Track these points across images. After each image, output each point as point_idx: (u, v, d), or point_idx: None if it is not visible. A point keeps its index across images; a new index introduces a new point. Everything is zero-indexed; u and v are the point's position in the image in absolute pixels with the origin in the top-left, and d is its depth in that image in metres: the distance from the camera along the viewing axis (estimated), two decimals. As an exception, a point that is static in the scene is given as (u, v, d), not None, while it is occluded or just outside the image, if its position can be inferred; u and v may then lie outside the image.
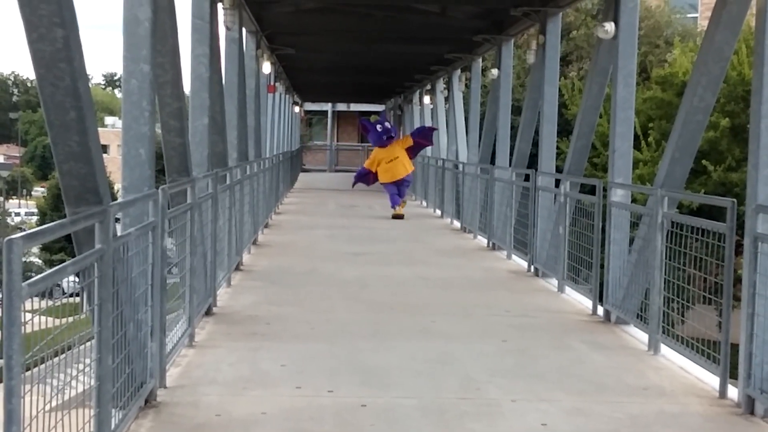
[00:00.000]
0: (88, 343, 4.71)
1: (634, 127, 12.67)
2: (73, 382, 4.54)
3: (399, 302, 9.60)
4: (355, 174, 22.74)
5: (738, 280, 6.33)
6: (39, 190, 75.06)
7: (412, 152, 21.28)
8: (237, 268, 11.34)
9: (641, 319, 8.01)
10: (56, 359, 4.22)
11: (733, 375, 6.16)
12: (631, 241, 8.99)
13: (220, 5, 12.54)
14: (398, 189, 20.16)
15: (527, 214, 12.46)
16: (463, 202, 18.38)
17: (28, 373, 3.66)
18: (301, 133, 49.26)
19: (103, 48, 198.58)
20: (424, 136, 21.57)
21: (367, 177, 21.43)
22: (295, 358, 6.98)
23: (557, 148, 15.65)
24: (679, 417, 5.80)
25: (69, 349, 4.36)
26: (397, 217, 19.63)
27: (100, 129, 6.42)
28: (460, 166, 20.07)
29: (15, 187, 75.81)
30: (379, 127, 20.72)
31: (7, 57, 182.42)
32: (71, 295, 4.70)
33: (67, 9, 5.46)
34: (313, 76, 31.64)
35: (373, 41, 21.42)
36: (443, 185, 20.88)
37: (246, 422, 5.45)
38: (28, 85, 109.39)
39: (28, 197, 79.38)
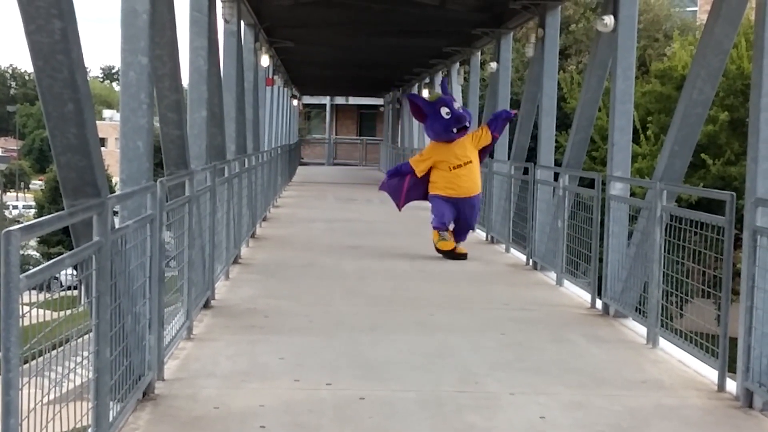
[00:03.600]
0: (86, 336, 4.70)
1: (633, 121, 12.67)
2: (71, 375, 4.54)
3: (398, 295, 9.59)
4: (387, 172, 14.34)
5: (737, 274, 6.32)
6: (37, 184, 75.02)
7: (484, 155, 13.35)
8: (235, 261, 11.33)
9: (640, 313, 8.00)
10: (54, 352, 4.21)
11: (732, 368, 6.16)
12: (630, 234, 8.99)
13: (218, -2, 12.51)
14: (457, 212, 12.57)
15: (526, 207, 12.46)
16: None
17: (26, 365, 3.65)
18: (300, 126, 49.26)
19: (101, 41, 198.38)
20: (501, 128, 13.46)
21: (401, 183, 13.03)
22: (293, 351, 6.98)
23: (556, 141, 15.63)
24: (677, 410, 5.80)
25: (67, 341, 4.36)
26: (450, 254, 12.37)
27: (97, 122, 6.41)
28: (459, 160, 20.00)
29: (13, 180, 75.80)
30: (445, 111, 12.50)
31: (4, 50, 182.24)
32: (69, 288, 4.69)
33: (65, 1, 5.44)
34: (312, 69, 31.61)
35: (372, 34, 21.39)
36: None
37: (244, 415, 5.44)
38: (26, 77, 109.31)
39: (25, 190, 79.34)
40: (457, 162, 12.52)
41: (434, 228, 12.46)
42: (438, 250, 12.37)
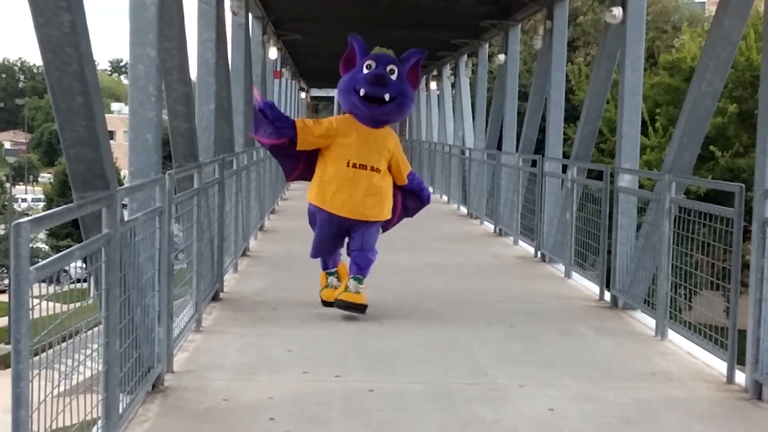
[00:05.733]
0: (96, 328, 4.71)
1: (642, 113, 12.64)
2: (81, 367, 4.55)
3: (405, 288, 9.59)
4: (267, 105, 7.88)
5: (746, 266, 6.31)
6: (45, 177, 75.16)
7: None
8: (244, 254, 11.34)
9: (648, 305, 8.00)
10: (64, 344, 4.22)
11: (741, 360, 6.15)
12: (639, 226, 8.97)
13: (226, -10, 12.51)
14: (346, 235, 8.10)
15: (534, 199, 12.44)
16: (469, 187, 18.35)
17: (36, 358, 3.66)
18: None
19: (110, 34, 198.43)
20: (412, 207, 8.52)
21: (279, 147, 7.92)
22: (302, 344, 6.99)
23: (564, 133, 15.63)
24: (686, 402, 5.79)
25: (76, 333, 4.37)
26: (343, 304, 7.83)
27: (106, 115, 6.42)
28: (467, 152, 20.04)
29: (22, 174, 75.94)
30: (366, 64, 7.98)
31: (13, 43, 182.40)
32: (78, 281, 4.70)
33: (74, -7, 5.44)
34: (320, 62, 31.52)
35: (380, 27, 21.33)
36: (450, 171, 20.85)
37: (253, 407, 5.45)
38: (35, 71, 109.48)
39: (34, 183, 79.50)
40: (362, 159, 7.72)
41: (318, 260, 8.29)
42: (323, 302, 8.16)
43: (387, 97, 7.74)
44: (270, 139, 7.80)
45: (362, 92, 7.72)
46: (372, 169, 7.78)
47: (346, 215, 7.81)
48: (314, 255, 8.25)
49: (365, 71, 7.81)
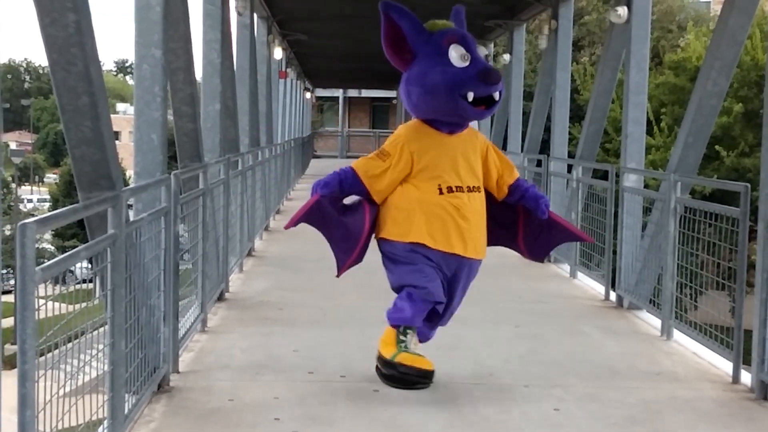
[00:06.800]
0: (101, 329, 4.72)
1: (647, 113, 12.63)
2: (87, 367, 4.56)
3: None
4: (321, 183, 5.77)
5: (751, 266, 6.30)
6: (51, 177, 75.23)
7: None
8: (249, 254, 11.35)
9: (654, 305, 7.99)
10: (69, 344, 4.23)
11: (746, 360, 6.14)
12: (644, 226, 8.97)
13: (231, -9, 12.52)
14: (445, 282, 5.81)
15: (539, 199, 12.41)
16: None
17: (42, 358, 3.66)
18: (313, 119, 49.27)
19: (115, 34, 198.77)
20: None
21: (329, 216, 5.82)
22: (307, 344, 6.99)
23: (569, 133, 15.61)
24: (691, 402, 5.79)
25: (82, 334, 4.37)
26: (416, 375, 5.80)
27: (111, 115, 6.43)
28: (472, 152, 20.00)
29: (27, 174, 76.00)
30: (459, 53, 5.59)
31: (19, 43, 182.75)
32: (83, 282, 4.70)
33: (79, -7, 5.45)
34: (325, 62, 31.58)
35: (385, 27, 21.35)
36: (455, 171, 20.79)
37: (259, 407, 5.46)
38: (40, 71, 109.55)
39: (40, 184, 79.57)
40: (458, 180, 5.66)
41: (393, 324, 5.89)
42: (386, 364, 5.84)
43: (497, 95, 5.55)
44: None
45: (471, 96, 5.40)
46: (470, 189, 5.66)
47: (452, 249, 5.68)
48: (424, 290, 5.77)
49: (461, 62, 5.48)
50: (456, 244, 5.65)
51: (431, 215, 5.60)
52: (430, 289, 5.70)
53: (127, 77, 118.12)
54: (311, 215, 5.76)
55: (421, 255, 5.66)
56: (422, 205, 5.60)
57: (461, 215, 5.62)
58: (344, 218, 5.79)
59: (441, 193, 5.60)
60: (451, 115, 5.59)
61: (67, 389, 4.20)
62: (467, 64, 5.50)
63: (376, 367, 5.93)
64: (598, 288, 9.55)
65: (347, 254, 5.91)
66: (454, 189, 5.61)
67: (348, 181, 5.68)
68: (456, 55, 5.54)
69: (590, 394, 5.88)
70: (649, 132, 22.46)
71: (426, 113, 5.67)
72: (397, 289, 5.94)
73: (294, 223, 5.73)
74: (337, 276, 6.13)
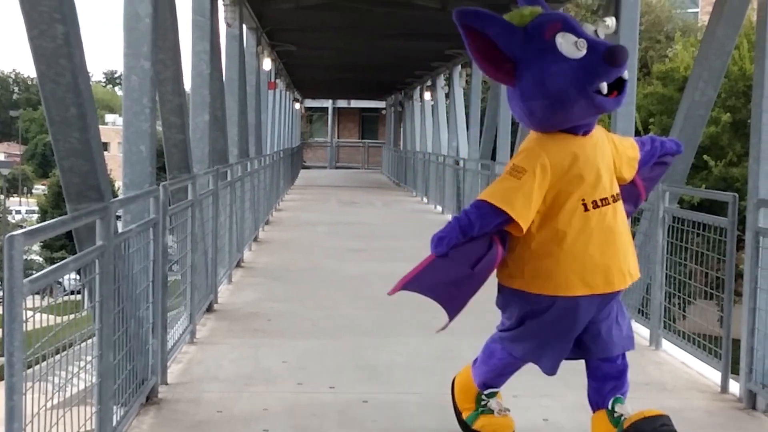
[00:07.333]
0: (90, 341, 4.70)
1: (635, 123, 12.66)
2: (75, 379, 4.54)
3: (401, 298, 9.53)
4: (435, 239, 4.58)
5: (739, 275, 6.32)
6: (39, 188, 75.04)
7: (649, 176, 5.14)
8: (238, 265, 11.33)
9: (642, 314, 8.00)
10: (57, 356, 4.21)
11: (735, 370, 6.16)
12: (632, 236, 8.97)
13: (220, 2, 12.55)
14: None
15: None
16: (464, 198, 18.36)
17: (30, 370, 3.65)
18: (302, 129, 49.30)
19: (104, 45, 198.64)
20: (655, 177, 5.32)
21: (463, 267, 4.64)
22: (296, 355, 6.98)
23: (558, 143, 15.63)
24: (680, 412, 5.79)
25: (70, 346, 4.36)
26: None
27: (100, 126, 6.43)
28: (461, 162, 20.06)
29: (15, 185, 75.78)
30: (570, 41, 4.38)
31: (7, 55, 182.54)
32: (72, 293, 4.69)
33: (68, 5, 5.46)
34: (314, 72, 31.63)
35: (374, 38, 21.40)
36: (444, 182, 20.85)
37: (248, 419, 5.45)
38: (29, 83, 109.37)
39: (28, 195, 79.34)
40: (602, 190, 4.58)
41: (479, 384, 5.29)
42: (464, 425, 5.28)
43: (626, 74, 4.49)
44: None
45: (606, 87, 4.35)
46: (615, 198, 4.60)
47: (612, 288, 4.58)
48: (532, 358, 5.02)
49: (576, 52, 4.34)
50: (608, 279, 4.51)
51: (577, 248, 4.44)
52: (544, 365, 4.89)
53: (116, 88, 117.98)
54: (422, 280, 4.81)
55: (560, 310, 4.54)
56: (565, 236, 4.43)
57: (612, 236, 4.51)
58: (466, 271, 4.69)
59: (586, 209, 4.45)
60: (588, 115, 4.49)
61: (55, 401, 4.19)
62: (584, 51, 4.36)
63: (454, 406, 5.31)
64: (587, 298, 9.54)
65: (461, 302, 4.97)
66: (599, 203, 4.48)
67: (475, 221, 4.43)
68: (567, 45, 4.37)
69: (579, 404, 5.87)
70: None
71: (561, 124, 4.48)
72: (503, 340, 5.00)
73: (400, 288, 4.89)
74: (449, 322, 5.07)
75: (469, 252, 4.52)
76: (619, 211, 4.60)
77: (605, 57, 4.35)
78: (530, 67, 4.39)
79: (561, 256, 4.45)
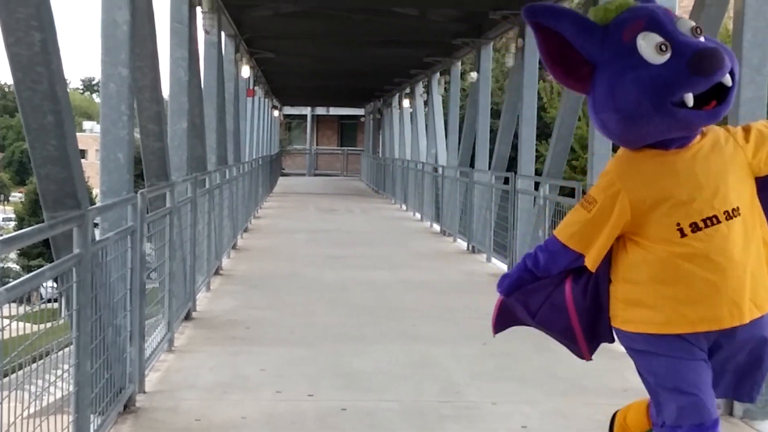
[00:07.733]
0: (67, 349, 4.68)
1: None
2: (52, 388, 4.52)
3: (380, 306, 9.58)
4: (503, 282, 4.38)
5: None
6: (16, 196, 74.61)
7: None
8: (216, 273, 11.30)
9: (621, 321, 8.01)
10: (34, 365, 4.19)
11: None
12: None
13: (198, 9, 12.53)
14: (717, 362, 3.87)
15: (507, 217, 12.47)
16: (442, 205, 18.39)
17: (6, 379, 3.63)
18: (281, 137, 49.26)
19: (81, 52, 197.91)
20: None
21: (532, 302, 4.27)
22: (275, 363, 6.96)
23: (536, 151, 15.70)
24: (659, 418, 5.81)
25: (47, 354, 4.33)
26: None
27: (78, 134, 6.41)
28: (440, 170, 20.08)
29: (-8, 193, 75.36)
30: (654, 43, 3.55)
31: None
32: (49, 301, 4.67)
33: (45, 12, 5.44)
34: (293, 80, 31.64)
35: (353, 45, 21.43)
36: (422, 189, 20.87)
37: (226, 427, 5.43)
38: (5, 89, 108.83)
39: (5, 203, 78.90)
40: (708, 208, 3.66)
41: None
42: None
43: (729, 79, 3.61)
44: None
45: (691, 99, 3.54)
46: (730, 214, 3.68)
47: (720, 325, 3.71)
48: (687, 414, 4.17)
49: (658, 56, 3.57)
50: (717, 313, 3.68)
51: (672, 279, 3.69)
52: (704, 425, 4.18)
53: (94, 95, 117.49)
54: (506, 318, 4.54)
55: (676, 349, 3.84)
56: (656, 266, 3.70)
57: (717, 264, 3.64)
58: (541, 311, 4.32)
59: (683, 235, 3.65)
60: (670, 131, 3.67)
61: (32, 410, 4.16)
62: (668, 55, 3.57)
63: None
64: (566, 305, 9.57)
65: (575, 342, 4.48)
66: (701, 225, 3.65)
67: (543, 260, 4.11)
68: (649, 48, 3.60)
69: (558, 411, 5.89)
70: (615, 149, 22.62)
71: (638, 141, 3.76)
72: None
73: (495, 331, 4.62)
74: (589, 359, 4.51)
75: (534, 295, 4.22)
76: (736, 229, 3.67)
77: (690, 64, 3.57)
78: (604, 73, 3.72)
79: (651, 294, 3.76)
